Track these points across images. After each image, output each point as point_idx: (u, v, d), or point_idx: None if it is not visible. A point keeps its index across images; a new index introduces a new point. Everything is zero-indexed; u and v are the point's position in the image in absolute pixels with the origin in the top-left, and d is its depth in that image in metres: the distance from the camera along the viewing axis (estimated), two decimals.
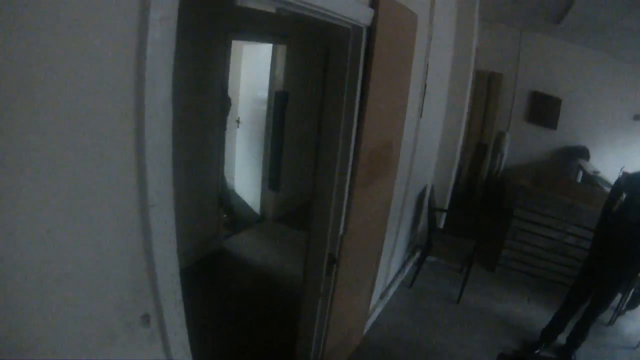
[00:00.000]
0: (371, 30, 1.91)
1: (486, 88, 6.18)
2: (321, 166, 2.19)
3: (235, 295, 3.64)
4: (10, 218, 0.75)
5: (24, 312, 0.83)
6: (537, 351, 3.40)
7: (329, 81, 2.07)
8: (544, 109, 6.22)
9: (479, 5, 4.42)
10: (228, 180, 5.22)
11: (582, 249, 4.15)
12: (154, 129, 0.96)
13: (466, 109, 4.89)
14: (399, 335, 3.38)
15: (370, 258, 2.86)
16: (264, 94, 4.86)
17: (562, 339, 3.45)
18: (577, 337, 3.31)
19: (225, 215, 4.67)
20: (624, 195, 3.11)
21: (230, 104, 4.71)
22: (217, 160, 4.09)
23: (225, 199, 4.74)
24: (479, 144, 6.15)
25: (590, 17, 4.34)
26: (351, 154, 2.09)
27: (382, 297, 3.66)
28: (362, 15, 1.82)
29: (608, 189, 3.77)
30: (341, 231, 2.22)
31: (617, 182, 3.28)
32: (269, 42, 4.57)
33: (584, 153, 6.03)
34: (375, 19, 1.89)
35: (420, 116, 3.26)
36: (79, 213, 0.87)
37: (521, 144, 6.38)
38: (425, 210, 4.31)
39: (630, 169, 4.25)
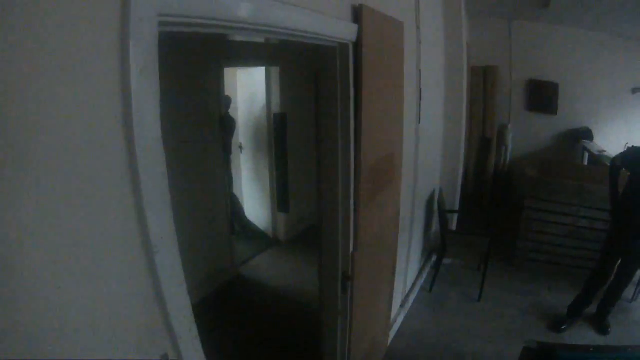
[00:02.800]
0: (358, 45, 1.90)
1: (482, 83, 6.14)
2: (324, 185, 2.18)
3: (257, 321, 3.61)
4: (22, 274, 0.75)
5: None
6: (563, 327, 3.45)
7: (321, 101, 2.06)
8: (542, 96, 6.18)
9: (465, 0, 4.41)
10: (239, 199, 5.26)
11: (597, 230, 4.08)
12: (148, 180, 0.95)
13: (465, 107, 4.86)
14: (423, 341, 3.33)
15: (386, 270, 2.83)
16: (262, 117, 4.86)
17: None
18: (608, 304, 3.42)
19: (237, 227, 4.72)
20: (628, 174, 3.26)
21: (234, 124, 4.73)
22: (224, 186, 4.10)
23: (237, 214, 4.78)
24: (483, 139, 6.10)
25: None
26: (352, 170, 2.07)
27: (402, 305, 3.61)
28: (346, 32, 1.82)
29: None
30: (352, 248, 2.20)
31: (613, 162, 3.34)
32: (261, 65, 4.59)
33: (587, 134, 5.96)
34: (360, 33, 1.88)
35: (419, 122, 3.25)
36: (86, 266, 0.87)
37: (525, 134, 6.32)
38: (436, 214, 4.27)
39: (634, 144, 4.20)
